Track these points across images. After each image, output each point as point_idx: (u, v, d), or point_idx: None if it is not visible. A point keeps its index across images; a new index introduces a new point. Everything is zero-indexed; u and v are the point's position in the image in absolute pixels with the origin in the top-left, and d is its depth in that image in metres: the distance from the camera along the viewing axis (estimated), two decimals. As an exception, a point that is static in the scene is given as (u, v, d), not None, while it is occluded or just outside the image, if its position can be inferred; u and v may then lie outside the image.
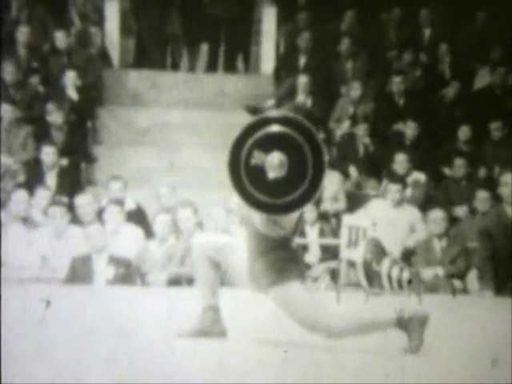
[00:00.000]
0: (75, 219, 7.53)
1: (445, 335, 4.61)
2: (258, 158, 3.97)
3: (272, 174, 3.96)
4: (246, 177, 3.98)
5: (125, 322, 4.69)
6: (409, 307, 4.27)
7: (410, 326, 4.18)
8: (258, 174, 3.97)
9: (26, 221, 7.45)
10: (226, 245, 4.41)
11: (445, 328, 4.83)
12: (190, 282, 7.00)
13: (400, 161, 8.45)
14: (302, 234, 7.73)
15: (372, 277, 6.80)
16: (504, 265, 6.96)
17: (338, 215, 7.92)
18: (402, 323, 4.20)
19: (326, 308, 4.25)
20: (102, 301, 5.89)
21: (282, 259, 4.21)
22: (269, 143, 3.99)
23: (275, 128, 4.00)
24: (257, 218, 4.12)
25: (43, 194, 7.69)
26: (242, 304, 4.91)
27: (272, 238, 4.19)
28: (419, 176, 8.49)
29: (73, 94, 9.13)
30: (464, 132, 8.88)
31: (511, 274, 6.92)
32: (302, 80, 9.26)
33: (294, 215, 4.20)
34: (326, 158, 4.03)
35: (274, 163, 3.96)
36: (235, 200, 4.33)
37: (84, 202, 7.58)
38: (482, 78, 9.82)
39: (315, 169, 3.98)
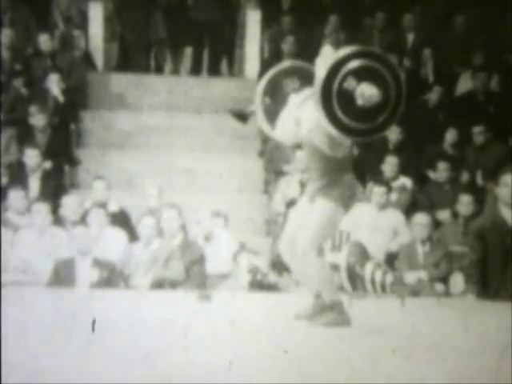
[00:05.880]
0: (58, 221, 7.51)
1: (428, 337, 4.64)
2: (350, 83, 4.47)
3: (360, 102, 4.49)
4: (336, 101, 4.48)
5: (108, 326, 4.68)
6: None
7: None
8: (347, 100, 4.48)
9: (6, 223, 7.42)
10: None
11: (428, 330, 4.86)
12: (173, 285, 6.99)
13: (390, 162, 8.48)
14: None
15: (355, 280, 6.82)
16: (494, 268, 6.99)
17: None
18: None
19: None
20: (85, 304, 5.87)
21: (334, 179, 4.73)
22: (361, 74, 4.49)
23: (364, 62, 4.52)
24: (324, 142, 4.64)
25: (19, 196, 7.64)
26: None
27: (332, 158, 4.70)
28: (406, 181, 8.52)
29: (59, 95, 9.11)
30: (451, 134, 8.93)
31: (501, 277, 6.95)
32: (287, 84, 9.27)
33: (348, 142, 4.71)
34: (404, 89, 4.58)
35: (365, 94, 4.47)
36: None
37: (71, 201, 7.57)
38: (465, 83, 9.88)
39: (396, 99, 4.53)
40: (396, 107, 4.56)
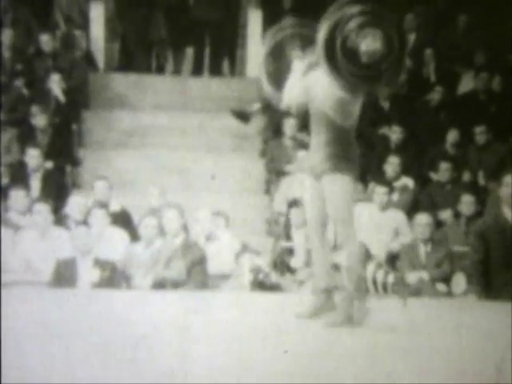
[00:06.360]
0: (60, 221, 7.50)
1: (430, 337, 4.63)
2: (353, 41, 4.50)
3: (365, 59, 4.52)
4: (341, 58, 4.51)
5: (110, 326, 4.67)
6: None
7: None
8: (352, 56, 4.50)
9: (7, 223, 7.41)
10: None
11: (429, 331, 4.85)
12: (174, 285, 6.99)
13: (392, 163, 8.47)
14: (288, 237, 7.76)
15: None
16: (496, 268, 6.98)
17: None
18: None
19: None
20: (87, 304, 5.87)
21: (341, 152, 4.76)
22: (363, 30, 4.51)
23: (365, 19, 4.54)
24: (335, 109, 4.67)
25: (21, 196, 7.64)
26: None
27: (340, 127, 4.73)
28: (407, 181, 8.51)
29: (60, 96, 9.11)
30: (453, 134, 8.92)
31: (503, 278, 6.94)
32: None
33: (356, 109, 4.76)
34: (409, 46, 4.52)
35: (369, 50, 4.50)
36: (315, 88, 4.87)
37: (77, 200, 7.58)
38: (467, 83, 9.87)
39: (398, 53, 4.55)
40: (398, 63, 4.59)
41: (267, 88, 5.12)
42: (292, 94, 4.98)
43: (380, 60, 4.54)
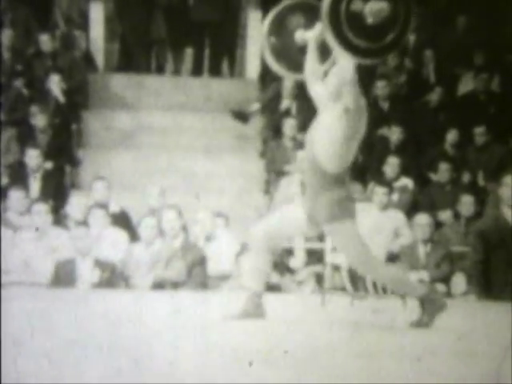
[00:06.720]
0: (59, 222, 7.50)
1: (429, 338, 4.63)
2: (357, 5, 4.41)
3: (370, 20, 4.41)
4: (346, 24, 4.39)
5: (109, 326, 4.67)
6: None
7: (430, 304, 4.75)
8: (357, 21, 4.39)
9: (6, 223, 7.41)
10: (280, 217, 4.87)
11: (429, 331, 4.85)
12: (174, 285, 6.99)
13: (391, 163, 8.47)
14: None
15: (357, 281, 6.81)
16: (496, 268, 6.98)
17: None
18: (425, 298, 4.75)
19: (372, 251, 4.80)
20: (86, 304, 5.87)
21: (338, 198, 4.67)
22: None
23: None
24: (322, 154, 4.63)
25: (20, 196, 7.63)
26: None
27: (331, 174, 4.65)
28: (407, 182, 8.52)
29: (60, 96, 9.11)
30: (453, 135, 8.92)
31: (503, 278, 6.94)
32: (287, 84, 9.27)
33: (352, 151, 4.65)
34: (414, 5, 4.50)
35: (374, 9, 4.40)
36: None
37: (78, 201, 7.57)
38: (466, 84, 9.87)
39: (405, 14, 4.46)
40: (405, 23, 4.48)
41: (271, 63, 5.09)
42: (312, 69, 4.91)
43: (384, 25, 4.43)
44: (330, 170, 4.68)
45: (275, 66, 5.11)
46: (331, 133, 4.68)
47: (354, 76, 4.66)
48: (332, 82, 4.73)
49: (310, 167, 4.76)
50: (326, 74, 4.85)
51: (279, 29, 5.07)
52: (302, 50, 5.02)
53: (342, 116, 4.66)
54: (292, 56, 5.08)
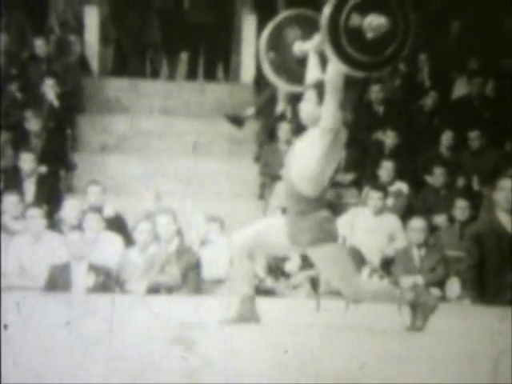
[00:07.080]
0: (54, 226, 7.49)
1: (424, 342, 4.64)
2: (355, 19, 4.42)
3: (370, 34, 4.43)
4: (345, 38, 4.40)
5: (104, 331, 4.67)
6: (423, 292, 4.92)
7: (420, 307, 4.80)
8: (356, 35, 4.41)
9: (1, 228, 7.40)
10: (261, 231, 4.87)
11: (424, 335, 4.86)
12: (169, 290, 6.98)
13: (386, 167, 8.48)
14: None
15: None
16: (490, 273, 6.98)
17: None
18: (415, 303, 4.81)
19: (355, 272, 4.90)
20: (81, 309, 5.86)
21: (319, 221, 4.70)
22: (366, 7, 4.42)
23: None
24: (298, 179, 4.66)
25: (15, 200, 7.62)
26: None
27: (309, 198, 4.69)
28: (402, 186, 8.52)
29: (54, 100, 9.10)
30: (447, 139, 8.94)
31: (497, 282, 6.95)
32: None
33: (327, 175, 4.69)
34: (413, 19, 4.53)
35: (373, 24, 4.40)
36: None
37: (73, 205, 7.56)
38: (460, 88, 9.89)
39: (404, 28, 4.47)
40: (405, 36, 4.49)
41: (272, 78, 5.09)
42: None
43: (384, 38, 4.44)
44: (306, 194, 4.71)
45: (274, 79, 5.12)
46: (308, 155, 4.69)
47: (340, 87, 4.65)
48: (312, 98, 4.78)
49: (289, 192, 4.79)
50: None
51: (277, 43, 5.08)
52: (301, 61, 5.04)
53: (320, 137, 4.67)
54: (291, 69, 5.09)
